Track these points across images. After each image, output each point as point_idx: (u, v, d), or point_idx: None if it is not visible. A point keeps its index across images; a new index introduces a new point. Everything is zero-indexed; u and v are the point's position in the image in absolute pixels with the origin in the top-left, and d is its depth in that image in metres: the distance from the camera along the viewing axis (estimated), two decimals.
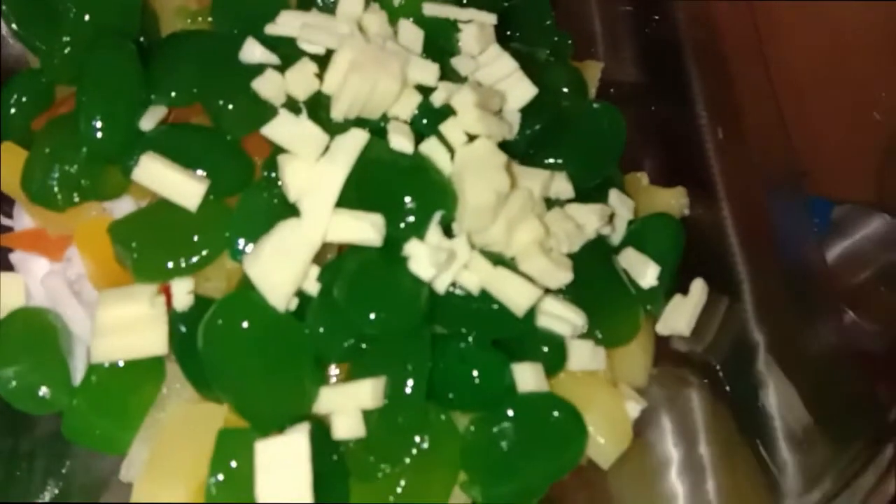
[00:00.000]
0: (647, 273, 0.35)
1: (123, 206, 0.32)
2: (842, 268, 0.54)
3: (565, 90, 0.40)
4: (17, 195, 0.32)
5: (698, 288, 0.37)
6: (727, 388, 0.40)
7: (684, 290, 0.38)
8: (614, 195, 0.37)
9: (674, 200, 0.40)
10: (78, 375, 0.31)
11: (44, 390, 0.30)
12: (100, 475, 0.32)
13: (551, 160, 0.36)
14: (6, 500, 0.32)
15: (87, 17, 0.32)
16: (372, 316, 0.28)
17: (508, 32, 0.43)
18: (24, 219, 0.34)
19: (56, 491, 0.32)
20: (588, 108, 0.38)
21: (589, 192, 0.37)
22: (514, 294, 0.30)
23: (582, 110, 0.38)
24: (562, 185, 0.35)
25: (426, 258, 0.29)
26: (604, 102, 0.39)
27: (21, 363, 0.30)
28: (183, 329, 0.29)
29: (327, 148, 0.30)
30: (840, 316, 0.46)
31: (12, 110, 0.33)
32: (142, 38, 0.34)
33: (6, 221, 0.35)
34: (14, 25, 0.34)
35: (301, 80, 0.30)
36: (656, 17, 0.53)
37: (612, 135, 0.38)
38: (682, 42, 0.51)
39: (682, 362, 0.41)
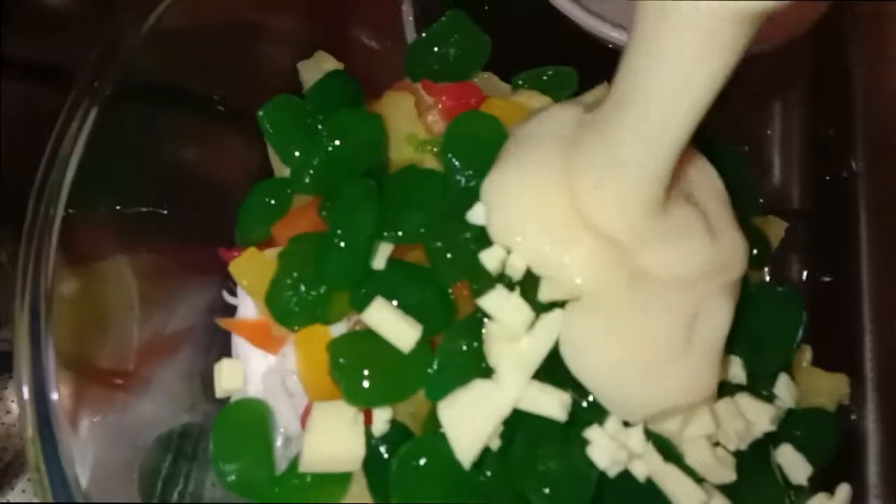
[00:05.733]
0: (799, 473, 0.37)
1: (338, 327, 0.36)
2: None
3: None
4: (253, 295, 0.37)
5: (844, 493, 0.38)
6: None
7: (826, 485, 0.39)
8: (782, 382, 0.38)
9: (836, 390, 0.41)
10: (278, 461, 0.36)
11: (255, 483, 0.34)
12: None
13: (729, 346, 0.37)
14: None
15: (337, 143, 0.37)
16: (545, 491, 0.31)
17: None
18: (247, 302, 0.39)
19: None
20: (772, 293, 0.39)
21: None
22: (681, 495, 0.32)
23: (764, 296, 0.39)
24: (736, 371, 0.37)
25: (606, 449, 0.31)
26: (788, 288, 0.40)
27: (242, 460, 0.34)
28: (377, 452, 0.34)
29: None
30: None
31: (259, 211, 0.38)
32: None
33: (230, 299, 0.41)
34: (270, 133, 0.39)
35: (520, 263, 0.33)
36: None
37: (793, 326, 0.38)
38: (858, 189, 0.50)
39: None
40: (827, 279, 0.50)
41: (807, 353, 0.42)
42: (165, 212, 0.43)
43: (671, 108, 0.27)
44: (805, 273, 0.51)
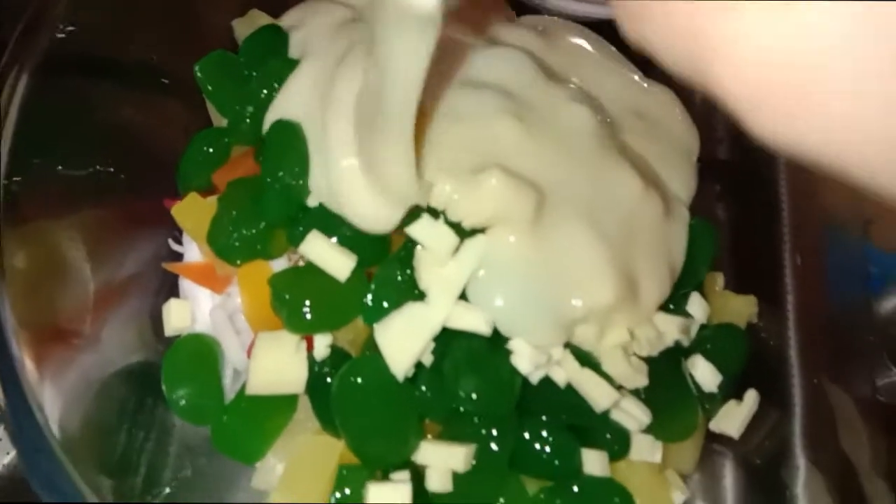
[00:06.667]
0: (710, 381, 0.40)
1: (279, 263, 0.38)
2: None
3: None
4: (198, 239, 0.39)
5: (751, 398, 0.42)
6: (763, 484, 0.45)
7: (740, 395, 0.43)
8: (695, 300, 0.42)
9: (745, 309, 0.45)
10: (227, 393, 0.38)
11: (205, 408, 0.37)
12: (229, 476, 0.39)
13: None
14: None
15: (265, 92, 0.39)
16: (473, 396, 0.34)
17: None
18: (192, 248, 0.41)
19: (192, 478, 0.40)
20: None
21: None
22: (597, 394, 0.35)
23: None
24: None
25: (527, 357, 0.34)
26: (699, 219, 0.43)
27: (191, 385, 0.37)
28: (318, 375, 0.36)
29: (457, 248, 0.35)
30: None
31: (199, 159, 0.40)
32: None
33: (175, 247, 0.42)
34: (207, 86, 0.41)
35: (444, 197, 0.35)
36: None
37: (705, 251, 0.42)
38: None
39: (725, 445, 0.46)
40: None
41: (719, 279, 0.46)
42: (112, 169, 0.44)
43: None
44: (728, 211, 0.54)
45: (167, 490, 0.40)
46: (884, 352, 0.48)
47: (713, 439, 0.44)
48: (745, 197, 0.54)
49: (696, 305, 0.41)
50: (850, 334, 0.49)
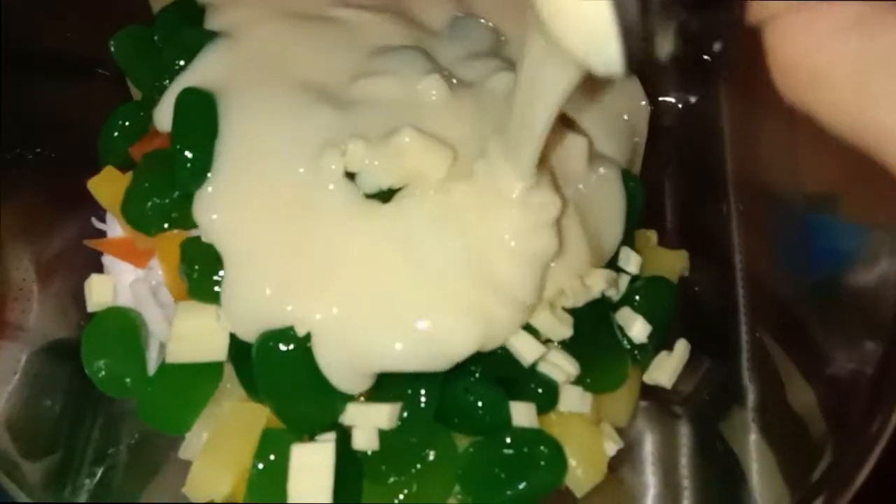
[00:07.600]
0: (639, 332, 0.40)
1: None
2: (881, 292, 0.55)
3: None
4: (113, 211, 0.38)
5: (681, 347, 0.42)
6: (713, 431, 0.45)
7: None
8: (624, 252, 0.42)
9: (677, 264, 0.45)
10: (151, 366, 0.38)
11: (126, 380, 0.36)
12: (160, 449, 0.38)
13: None
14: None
15: (182, 63, 0.38)
16: None
17: None
18: (115, 226, 0.41)
19: (125, 453, 0.39)
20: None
21: None
22: (523, 349, 0.35)
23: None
24: None
25: None
26: (626, 171, 0.44)
27: (111, 356, 0.36)
28: (242, 342, 0.36)
29: None
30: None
31: (115, 134, 0.40)
32: None
33: (99, 225, 0.42)
34: (122, 59, 0.41)
35: (357, 160, 0.35)
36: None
37: (632, 204, 0.42)
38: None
39: (674, 400, 0.46)
40: None
41: (652, 237, 0.47)
42: (38, 150, 0.44)
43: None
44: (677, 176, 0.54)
45: (101, 470, 0.40)
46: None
47: (667, 401, 0.44)
48: (691, 164, 0.55)
49: (627, 259, 0.42)
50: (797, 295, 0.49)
